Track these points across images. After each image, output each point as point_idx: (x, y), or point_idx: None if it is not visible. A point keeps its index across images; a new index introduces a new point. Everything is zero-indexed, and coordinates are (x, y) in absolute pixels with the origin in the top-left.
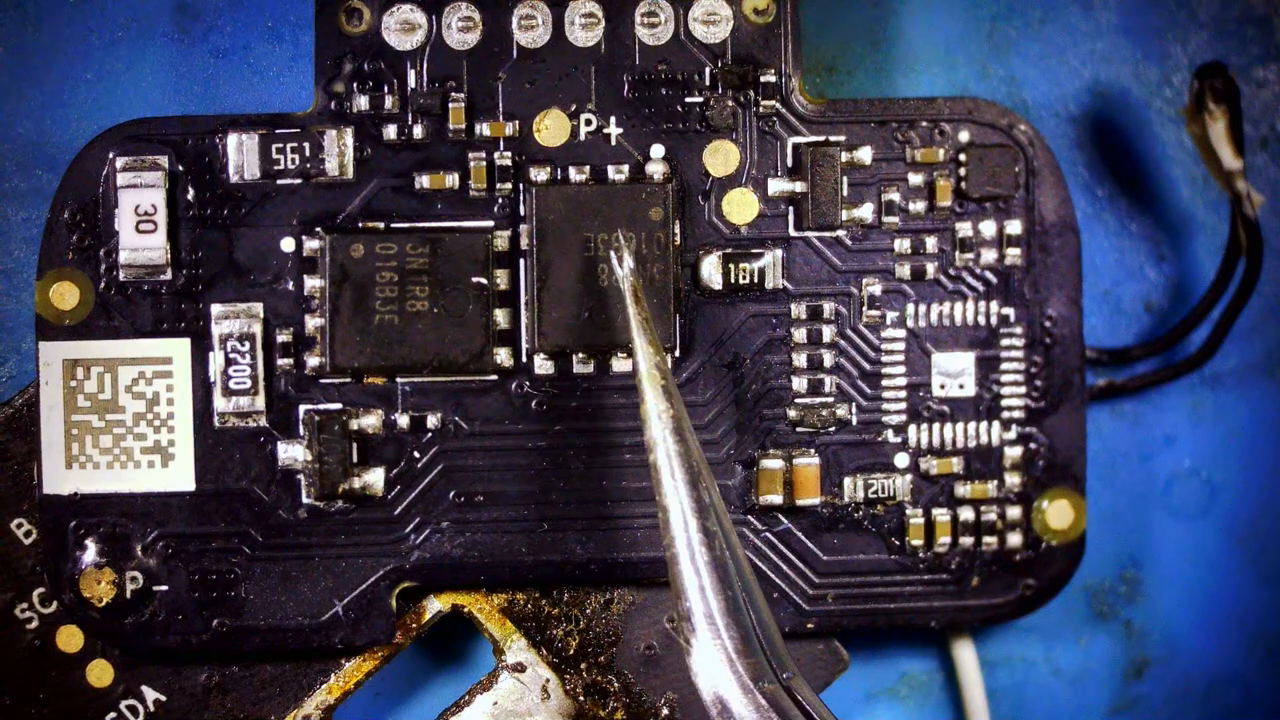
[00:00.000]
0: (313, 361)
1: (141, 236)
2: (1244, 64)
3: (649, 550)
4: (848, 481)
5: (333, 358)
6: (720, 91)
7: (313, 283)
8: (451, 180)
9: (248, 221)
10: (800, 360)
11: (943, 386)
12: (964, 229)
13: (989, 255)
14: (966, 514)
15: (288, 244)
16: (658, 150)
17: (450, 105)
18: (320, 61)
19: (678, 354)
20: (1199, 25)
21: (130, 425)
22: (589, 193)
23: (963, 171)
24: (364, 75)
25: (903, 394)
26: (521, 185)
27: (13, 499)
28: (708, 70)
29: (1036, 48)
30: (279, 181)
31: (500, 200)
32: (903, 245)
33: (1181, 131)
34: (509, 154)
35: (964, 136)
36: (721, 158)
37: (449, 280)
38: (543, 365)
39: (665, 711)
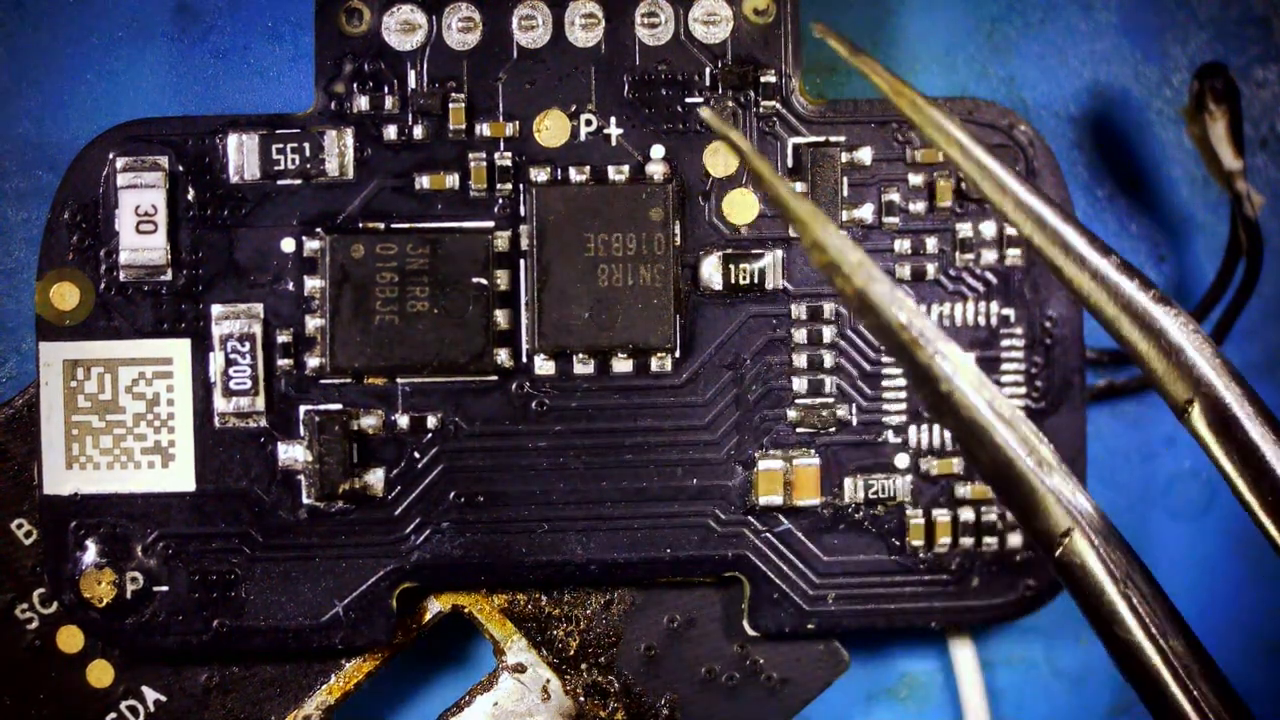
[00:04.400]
0: (313, 362)
1: (142, 237)
2: (1244, 64)
3: (649, 550)
4: (848, 482)
5: (333, 358)
6: (720, 92)
7: (313, 283)
8: (452, 181)
9: (248, 222)
10: (800, 361)
11: None
12: (964, 229)
13: (989, 256)
14: (967, 514)
15: (288, 244)
16: (658, 151)
17: (450, 105)
18: (320, 62)
19: (678, 354)
20: (1199, 25)
21: (130, 426)
22: (589, 193)
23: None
24: (364, 76)
25: (903, 394)
26: (522, 186)
27: (13, 499)
28: (708, 70)
29: (1036, 48)
30: (279, 182)
31: (500, 201)
32: (903, 246)
33: (1181, 132)
34: (509, 154)
35: None
36: (722, 158)
37: (449, 281)
38: (543, 366)
39: (666, 712)
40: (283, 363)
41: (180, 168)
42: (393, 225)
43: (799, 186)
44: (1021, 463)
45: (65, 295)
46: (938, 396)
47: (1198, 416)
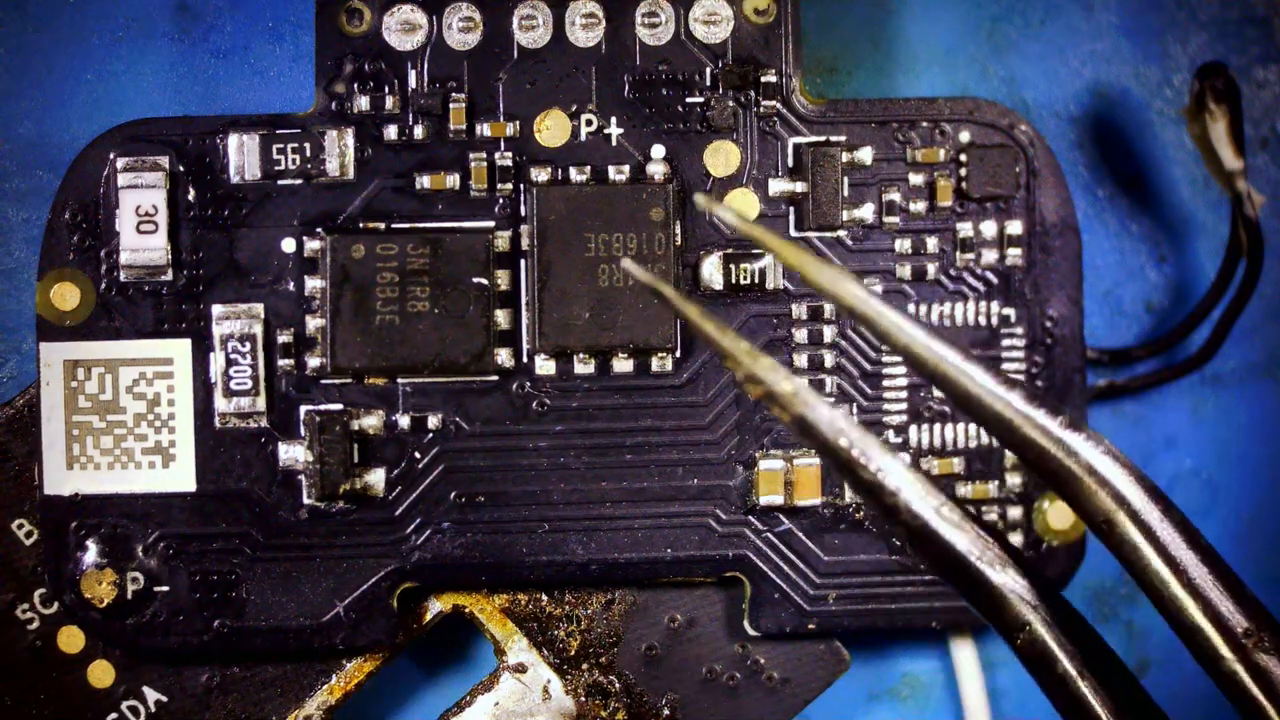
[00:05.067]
0: (313, 362)
1: (142, 237)
2: (1244, 64)
3: (649, 550)
4: None
5: (333, 358)
6: (721, 92)
7: (313, 283)
8: (452, 180)
9: (248, 222)
10: (801, 360)
11: None
12: (965, 229)
13: (990, 255)
14: None
15: (288, 244)
16: (658, 150)
17: (451, 106)
18: (321, 62)
19: (678, 354)
20: (1199, 25)
21: (131, 426)
22: (590, 193)
23: (963, 172)
24: (365, 76)
25: (903, 394)
26: (522, 185)
27: (13, 499)
28: (708, 70)
29: (1036, 48)
30: (280, 182)
31: (501, 200)
32: (903, 245)
33: (1182, 132)
34: (510, 154)
35: (964, 137)
36: (722, 158)
37: (450, 281)
38: (543, 366)
39: (666, 712)
40: (283, 363)
41: (181, 168)
42: (393, 225)
43: (800, 186)
44: (975, 563)
45: (66, 295)
46: (887, 508)
47: (1118, 535)
